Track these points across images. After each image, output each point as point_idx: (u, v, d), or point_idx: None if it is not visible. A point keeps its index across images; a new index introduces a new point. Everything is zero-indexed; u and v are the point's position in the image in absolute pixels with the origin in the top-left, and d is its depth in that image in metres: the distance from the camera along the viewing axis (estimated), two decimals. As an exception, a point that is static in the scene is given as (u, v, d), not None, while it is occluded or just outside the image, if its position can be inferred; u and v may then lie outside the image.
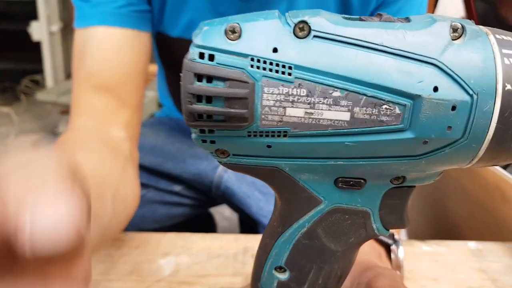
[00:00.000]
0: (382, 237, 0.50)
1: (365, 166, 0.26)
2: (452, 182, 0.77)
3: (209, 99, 0.25)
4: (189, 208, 0.76)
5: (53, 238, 0.15)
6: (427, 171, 0.27)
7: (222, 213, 1.46)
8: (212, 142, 0.27)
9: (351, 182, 0.27)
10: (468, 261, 0.56)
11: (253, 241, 0.60)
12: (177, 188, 0.72)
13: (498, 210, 0.62)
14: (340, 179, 0.28)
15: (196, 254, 0.60)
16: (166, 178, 0.71)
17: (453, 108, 0.24)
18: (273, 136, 0.25)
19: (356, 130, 0.24)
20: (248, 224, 0.74)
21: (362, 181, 0.27)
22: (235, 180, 0.71)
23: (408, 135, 0.24)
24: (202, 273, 0.56)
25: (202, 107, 0.25)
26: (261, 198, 0.69)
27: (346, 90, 0.24)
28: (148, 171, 0.70)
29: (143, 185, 0.67)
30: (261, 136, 0.26)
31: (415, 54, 0.24)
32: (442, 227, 0.76)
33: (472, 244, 0.58)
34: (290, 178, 0.28)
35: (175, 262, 0.58)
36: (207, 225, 1.00)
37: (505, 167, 0.71)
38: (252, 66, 0.24)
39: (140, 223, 0.68)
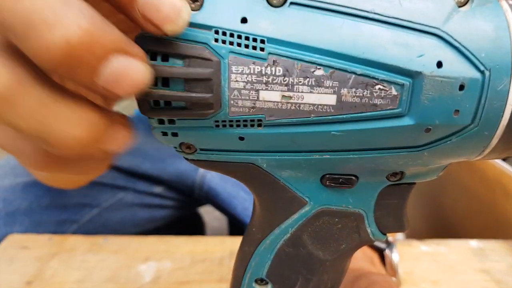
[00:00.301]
0: (374, 240, 0.46)
1: (357, 160, 0.22)
2: (449, 176, 0.74)
3: (165, 82, 0.20)
4: (172, 210, 0.72)
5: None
6: (429, 164, 0.23)
7: (213, 213, 1.41)
8: (174, 134, 0.22)
9: (341, 180, 0.23)
10: (469, 261, 0.52)
11: (240, 244, 0.56)
12: (158, 189, 0.68)
13: (499, 205, 0.58)
14: (327, 176, 0.23)
15: (179, 258, 0.56)
16: (145, 180, 0.67)
17: (461, 87, 0.19)
18: (245, 126, 0.21)
19: (344, 116, 0.20)
20: (237, 225, 0.70)
21: (353, 178, 0.23)
22: (219, 180, 0.67)
23: (407, 121, 0.20)
24: (185, 279, 0.52)
25: (157, 91, 0.20)
26: (246, 198, 0.65)
27: (331, 67, 0.19)
28: (126, 173, 0.65)
29: (121, 188, 0.63)
30: (231, 126, 0.21)
31: (413, 23, 0.20)
32: (441, 224, 0.72)
33: (473, 243, 0.54)
34: (269, 176, 0.24)
35: (156, 267, 0.54)
36: (194, 227, 0.95)
37: (504, 159, 0.67)
38: (216, 40, 0.20)
39: (119, 228, 0.64)
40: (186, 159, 0.24)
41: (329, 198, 0.24)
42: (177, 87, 0.20)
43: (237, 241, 0.58)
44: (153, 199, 0.68)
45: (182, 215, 0.76)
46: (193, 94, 0.20)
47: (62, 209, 0.60)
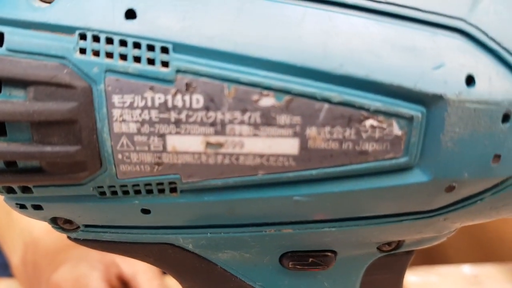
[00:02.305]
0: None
1: (335, 234, 0.14)
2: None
3: (0, 129, 0.11)
4: None
5: None
6: (444, 231, 0.15)
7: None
8: (37, 207, 0.14)
9: (311, 260, 0.15)
10: (464, 291, 0.45)
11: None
12: None
13: (492, 226, 0.52)
14: (290, 254, 0.15)
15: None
16: None
17: (505, 117, 0.12)
18: (149, 192, 0.13)
19: (314, 173, 0.12)
20: None
21: (329, 254, 0.15)
22: None
23: (418, 176, 0.12)
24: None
25: (-15, 145, 0.11)
26: None
27: (288, 92, 0.11)
28: None
29: None
30: (125, 193, 0.13)
31: (422, 11, 0.12)
32: (430, 248, 0.65)
33: (466, 269, 0.47)
34: (199, 260, 0.15)
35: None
36: None
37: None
38: (83, 51, 0.11)
39: None
40: (69, 238, 0.15)
41: (294, 285, 0.16)
42: (19, 136, 0.11)
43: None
44: None
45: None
46: (47, 148, 0.11)
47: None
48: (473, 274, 0.47)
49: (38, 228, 0.34)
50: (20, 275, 0.34)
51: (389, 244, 0.16)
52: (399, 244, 0.16)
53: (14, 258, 0.35)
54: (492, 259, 0.49)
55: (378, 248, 0.16)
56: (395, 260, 0.17)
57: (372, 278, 0.17)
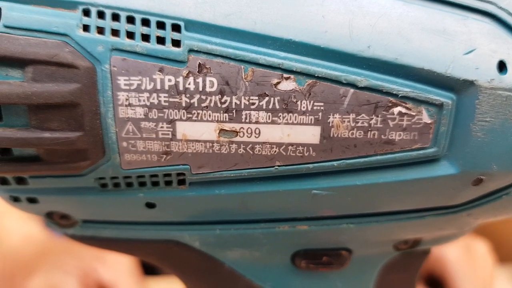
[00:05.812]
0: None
1: (353, 231, 0.13)
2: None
3: (-8, 112, 0.10)
4: None
5: None
6: (464, 227, 0.14)
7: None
8: (32, 200, 0.13)
9: (324, 258, 0.14)
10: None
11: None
12: None
13: (494, 228, 0.52)
14: (302, 253, 0.14)
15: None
16: None
17: (539, 106, 0.11)
18: (155, 185, 0.12)
19: (335, 164, 0.11)
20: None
21: (344, 253, 0.14)
22: None
23: (445, 169, 0.11)
24: None
25: (-24, 130, 0.10)
26: None
27: (310, 75, 0.10)
28: None
29: None
30: (129, 186, 0.12)
31: (452, -8, 0.11)
32: None
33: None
34: (206, 258, 0.14)
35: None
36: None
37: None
38: (86, 28, 0.10)
39: None
40: (66, 234, 0.14)
41: (306, 285, 0.15)
42: (15, 121, 0.10)
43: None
44: None
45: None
46: (46, 134, 0.10)
47: None
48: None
49: (15, 240, 0.33)
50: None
51: (406, 242, 0.15)
52: (416, 242, 0.15)
53: None
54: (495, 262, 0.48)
55: (394, 247, 0.15)
56: (410, 259, 0.16)
57: (386, 278, 0.16)
